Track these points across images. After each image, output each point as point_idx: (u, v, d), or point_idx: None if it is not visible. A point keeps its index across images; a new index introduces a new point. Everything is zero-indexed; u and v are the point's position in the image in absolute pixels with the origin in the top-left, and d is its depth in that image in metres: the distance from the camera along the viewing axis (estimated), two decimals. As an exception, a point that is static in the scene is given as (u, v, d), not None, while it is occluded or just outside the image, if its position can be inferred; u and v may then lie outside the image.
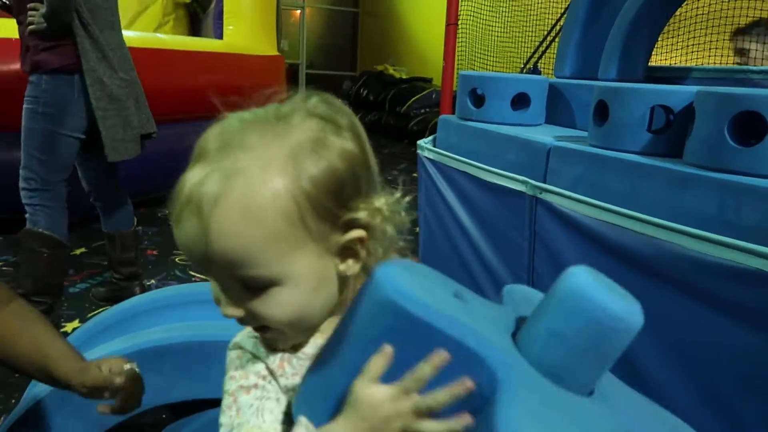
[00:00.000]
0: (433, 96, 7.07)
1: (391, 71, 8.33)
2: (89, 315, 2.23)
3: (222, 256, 0.48)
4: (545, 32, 2.83)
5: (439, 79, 7.78)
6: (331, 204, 0.50)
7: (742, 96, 1.17)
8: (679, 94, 1.43)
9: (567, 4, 2.44)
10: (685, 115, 1.38)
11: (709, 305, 1.02)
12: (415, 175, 5.38)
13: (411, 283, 0.48)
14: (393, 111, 7.44)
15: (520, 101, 1.98)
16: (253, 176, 0.47)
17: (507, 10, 4.15)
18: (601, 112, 1.49)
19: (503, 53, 4.63)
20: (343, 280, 0.55)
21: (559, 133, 1.82)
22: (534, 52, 2.84)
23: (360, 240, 0.53)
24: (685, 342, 1.06)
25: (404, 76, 8.10)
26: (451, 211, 1.97)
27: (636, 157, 1.38)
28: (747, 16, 2.41)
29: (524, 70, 2.88)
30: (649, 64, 2.12)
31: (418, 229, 2.28)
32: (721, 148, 1.18)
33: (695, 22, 2.49)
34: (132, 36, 3.14)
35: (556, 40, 2.56)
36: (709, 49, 2.63)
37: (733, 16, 2.42)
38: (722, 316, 1.01)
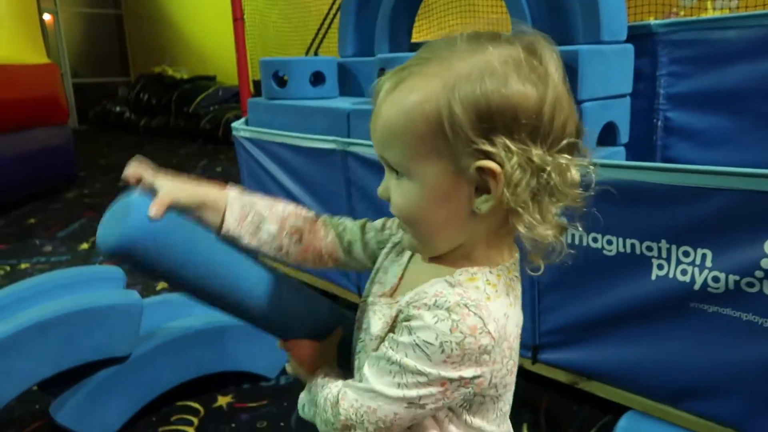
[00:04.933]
0: (220, 93, 7.02)
1: (170, 72, 8.06)
2: None
3: (379, 133, 0.58)
4: (320, 21, 3.18)
5: (222, 75, 7.78)
6: (470, 127, 0.52)
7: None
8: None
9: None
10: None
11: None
12: (218, 169, 5.49)
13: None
14: (180, 112, 7.19)
15: (317, 79, 2.35)
16: (416, 80, 0.55)
17: (284, 2, 4.49)
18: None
19: (284, 42, 4.97)
20: (473, 215, 0.57)
21: (352, 101, 2.22)
22: (314, 39, 3.19)
23: (492, 173, 0.53)
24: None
25: (185, 76, 7.86)
26: (273, 179, 2.26)
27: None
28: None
29: (308, 55, 3.22)
30: (412, 40, 2.63)
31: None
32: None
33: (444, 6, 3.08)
34: None
35: (332, 26, 2.96)
36: (454, 26, 3.28)
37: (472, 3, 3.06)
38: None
